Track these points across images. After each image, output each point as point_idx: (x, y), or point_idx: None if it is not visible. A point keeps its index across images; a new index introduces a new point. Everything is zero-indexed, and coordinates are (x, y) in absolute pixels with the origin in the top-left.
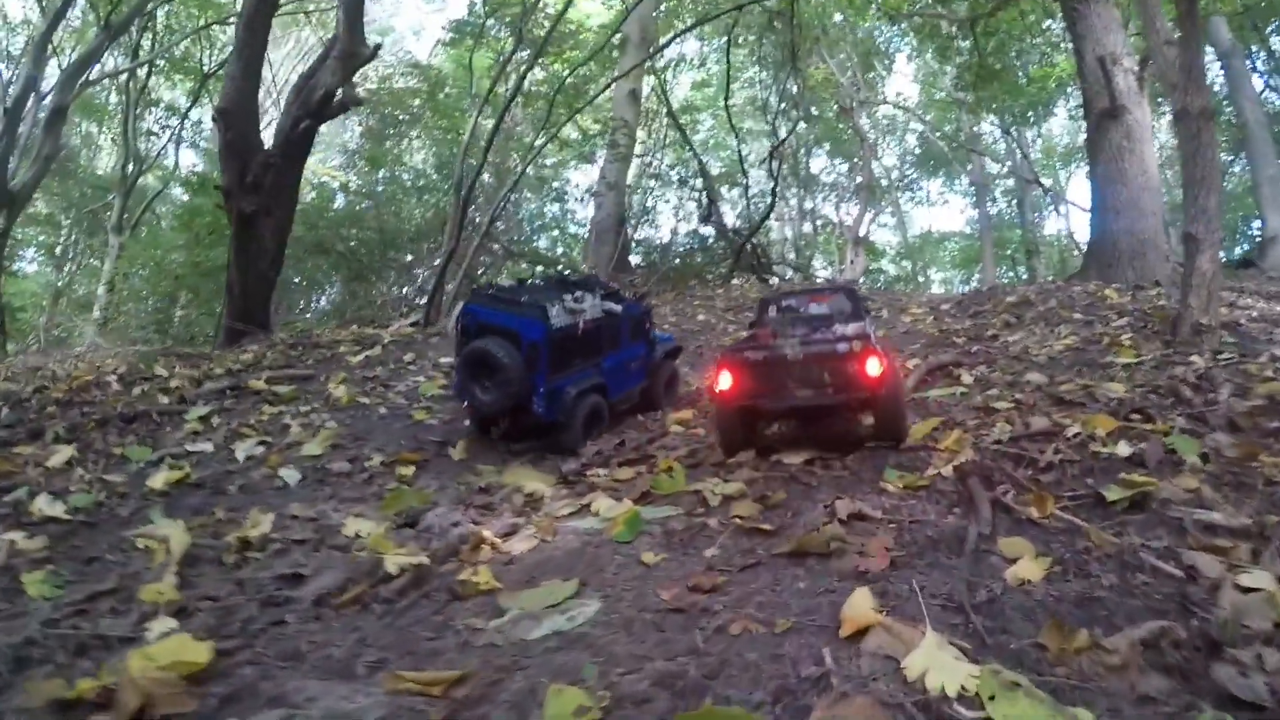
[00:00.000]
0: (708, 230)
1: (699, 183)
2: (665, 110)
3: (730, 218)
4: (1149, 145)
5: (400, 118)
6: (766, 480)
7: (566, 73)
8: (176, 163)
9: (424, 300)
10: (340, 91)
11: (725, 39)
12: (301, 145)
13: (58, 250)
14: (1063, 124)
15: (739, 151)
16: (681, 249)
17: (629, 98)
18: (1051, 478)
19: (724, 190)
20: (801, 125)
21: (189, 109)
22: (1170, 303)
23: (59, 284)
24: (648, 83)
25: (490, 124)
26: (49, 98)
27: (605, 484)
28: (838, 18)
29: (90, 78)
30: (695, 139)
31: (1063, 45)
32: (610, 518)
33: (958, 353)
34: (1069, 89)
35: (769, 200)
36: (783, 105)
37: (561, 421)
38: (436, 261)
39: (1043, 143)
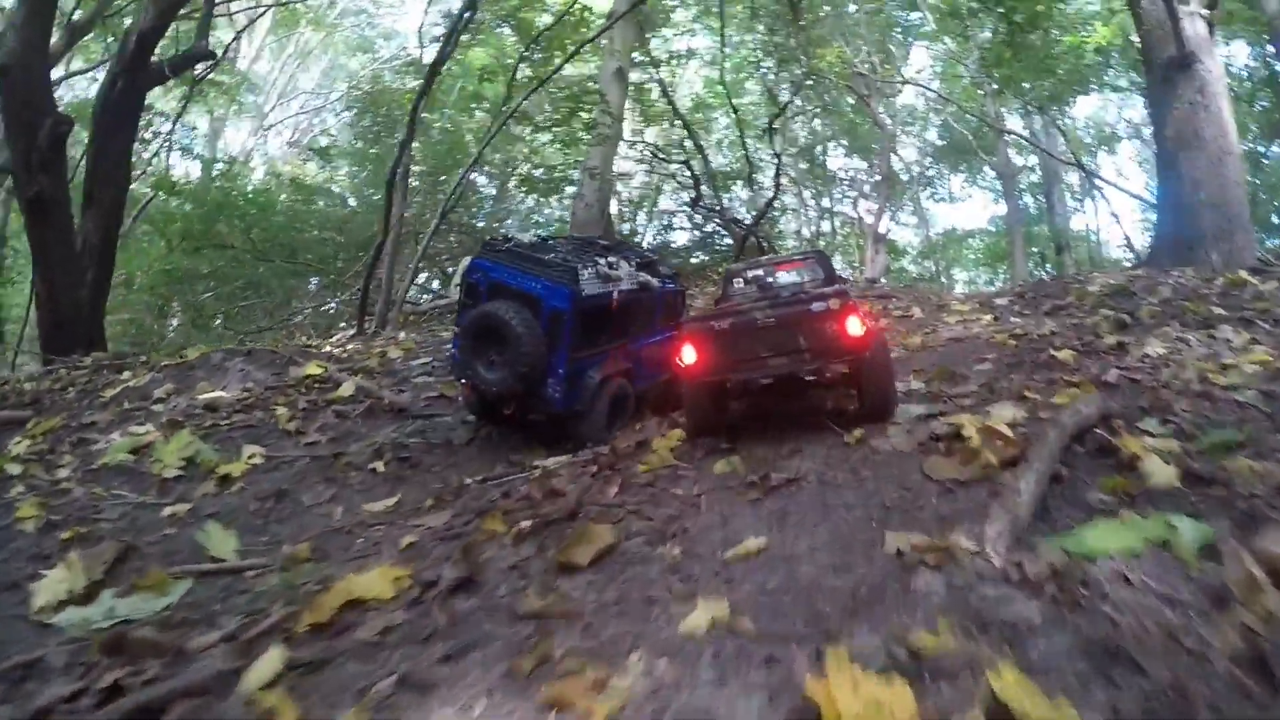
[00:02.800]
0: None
1: (695, 167)
2: (659, 87)
3: (743, 213)
4: (1225, 101)
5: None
6: None
7: (560, 60)
8: (168, 169)
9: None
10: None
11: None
12: (124, 110)
13: None
14: (1091, 106)
15: (740, 128)
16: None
17: (615, 76)
18: None
19: (735, 185)
20: (803, 99)
21: (180, 114)
22: None
23: None
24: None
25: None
26: None
27: None
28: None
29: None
30: (710, 138)
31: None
32: None
33: (1080, 381)
34: (1111, 58)
35: (773, 183)
36: (783, 62)
37: (579, 411)
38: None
39: (1068, 131)
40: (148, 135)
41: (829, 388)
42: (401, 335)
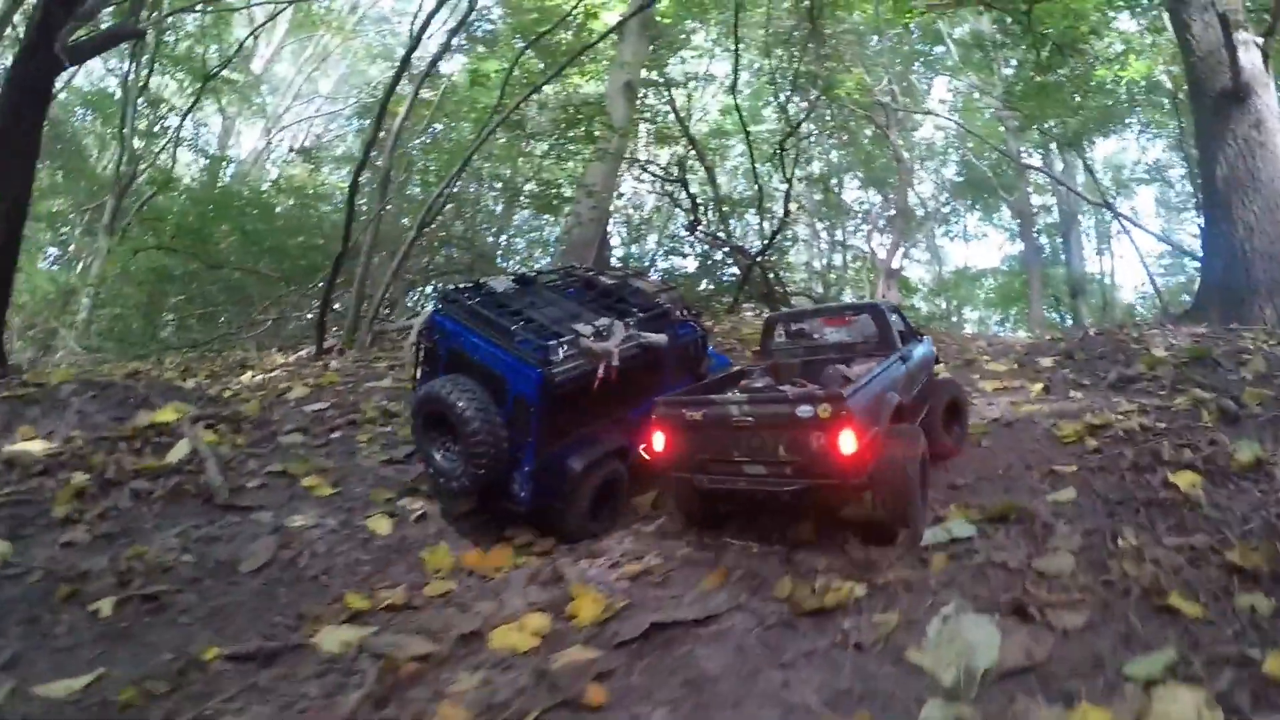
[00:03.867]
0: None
1: (694, 189)
2: (669, 104)
3: (755, 242)
4: None
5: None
6: None
7: (559, 65)
8: (174, 163)
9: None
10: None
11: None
12: (28, 94)
13: (71, 249)
14: (1109, 150)
15: (750, 149)
16: (684, 272)
17: (622, 91)
18: None
19: (747, 213)
20: (819, 124)
21: (190, 109)
22: None
23: (70, 283)
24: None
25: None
26: None
27: None
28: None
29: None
30: (726, 165)
31: (1138, 41)
32: None
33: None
34: (1141, 94)
35: (783, 210)
36: (799, 80)
37: (556, 507)
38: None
39: (1092, 168)
40: (155, 129)
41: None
42: (352, 359)
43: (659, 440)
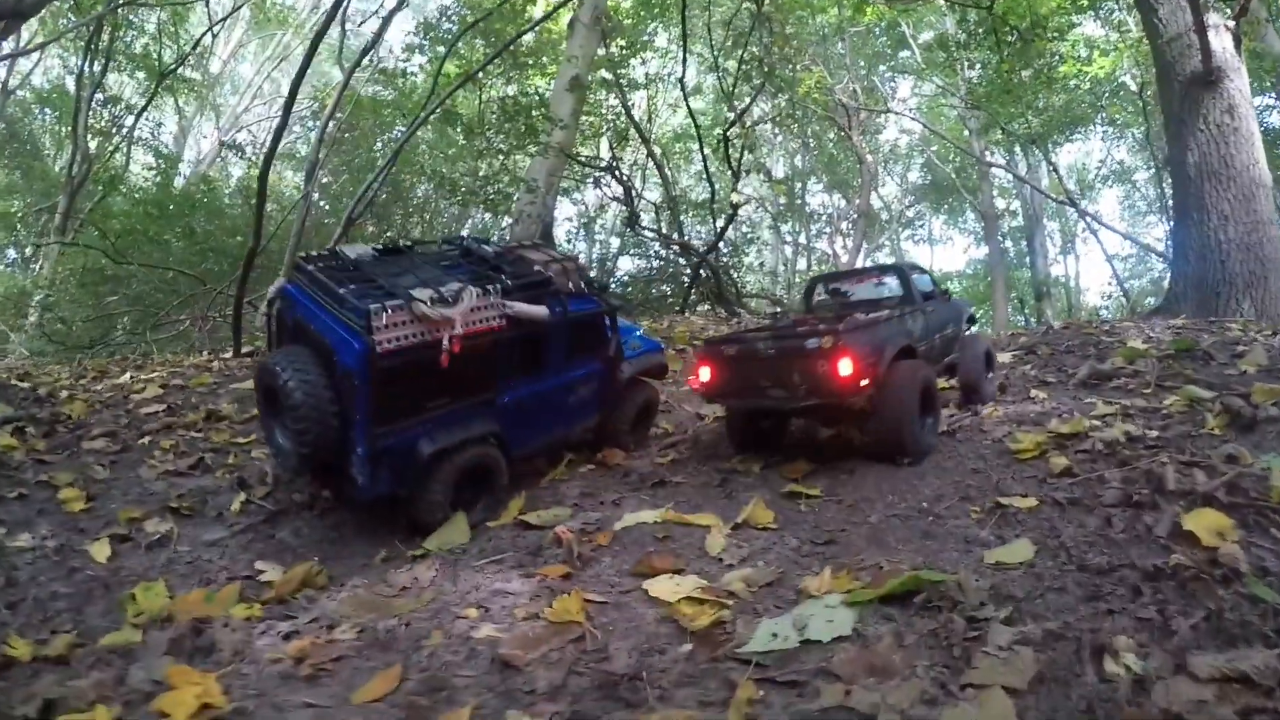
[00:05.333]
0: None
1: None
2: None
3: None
4: (1254, 125)
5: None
6: None
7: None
8: (128, 162)
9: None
10: None
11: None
12: None
13: (28, 251)
14: (1072, 155)
15: (698, 134)
16: (635, 274)
17: (570, 85)
18: None
19: (709, 217)
20: (778, 126)
21: (144, 107)
22: None
23: (22, 285)
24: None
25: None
26: None
27: None
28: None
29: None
30: (691, 169)
31: (1103, 40)
32: None
33: None
34: (1101, 100)
35: (729, 206)
36: (745, 66)
37: (403, 496)
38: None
39: (1057, 168)
40: (110, 128)
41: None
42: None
43: (704, 373)
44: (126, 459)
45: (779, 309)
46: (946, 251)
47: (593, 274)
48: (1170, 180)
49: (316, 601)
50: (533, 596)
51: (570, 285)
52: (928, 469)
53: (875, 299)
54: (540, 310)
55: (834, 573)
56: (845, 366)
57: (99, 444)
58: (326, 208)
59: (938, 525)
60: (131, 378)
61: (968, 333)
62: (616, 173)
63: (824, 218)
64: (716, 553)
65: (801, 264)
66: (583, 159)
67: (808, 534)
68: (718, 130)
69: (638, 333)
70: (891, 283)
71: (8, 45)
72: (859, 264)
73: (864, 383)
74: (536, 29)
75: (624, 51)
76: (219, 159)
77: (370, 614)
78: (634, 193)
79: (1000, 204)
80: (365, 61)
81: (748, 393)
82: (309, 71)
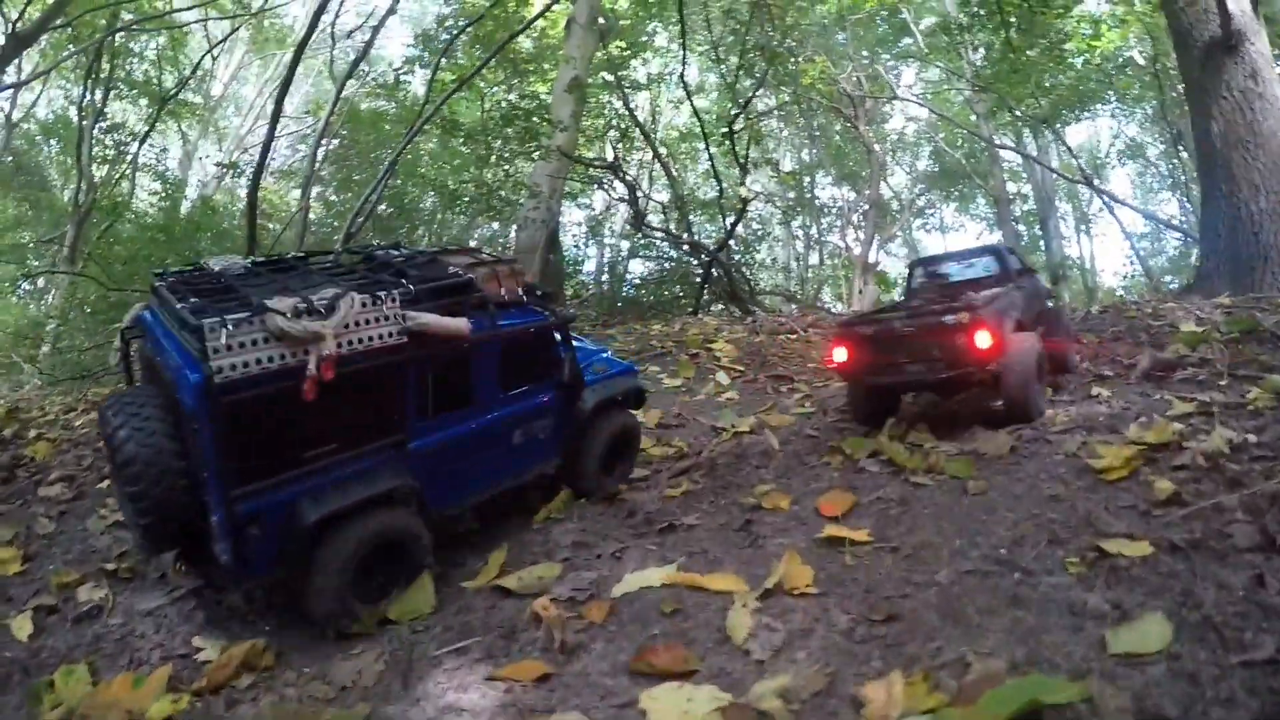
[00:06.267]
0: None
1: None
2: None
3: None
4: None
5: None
6: None
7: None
8: (133, 189)
9: None
10: None
11: None
12: None
13: (40, 281)
14: (1081, 135)
15: (704, 130)
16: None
17: (570, 87)
18: None
19: (718, 216)
20: (784, 118)
21: (147, 133)
22: None
23: (35, 316)
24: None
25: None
26: None
27: None
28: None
29: None
30: (697, 169)
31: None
32: None
33: None
34: (1110, 75)
35: (738, 201)
36: (747, 54)
37: (283, 575)
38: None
39: (1072, 149)
40: (114, 156)
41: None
42: None
43: (841, 353)
44: (78, 508)
45: (794, 304)
46: (960, 239)
47: (604, 278)
48: (1190, 153)
49: (237, 707)
50: (491, 717)
51: (503, 293)
52: (996, 499)
53: (973, 279)
54: (459, 323)
55: (903, 674)
56: (983, 339)
57: (55, 490)
58: (334, 225)
59: (1027, 585)
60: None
61: (1050, 305)
62: (621, 172)
63: (834, 210)
64: (741, 640)
65: (813, 259)
66: (586, 160)
67: (859, 604)
68: (723, 127)
69: (604, 354)
70: (984, 262)
71: (9, 76)
72: (871, 255)
73: (996, 353)
74: (534, 33)
75: (624, 53)
76: (224, 180)
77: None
78: (639, 192)
79: (1011, 188)
80: (360, 74)
81: (885, 369)
82: (309, 89)
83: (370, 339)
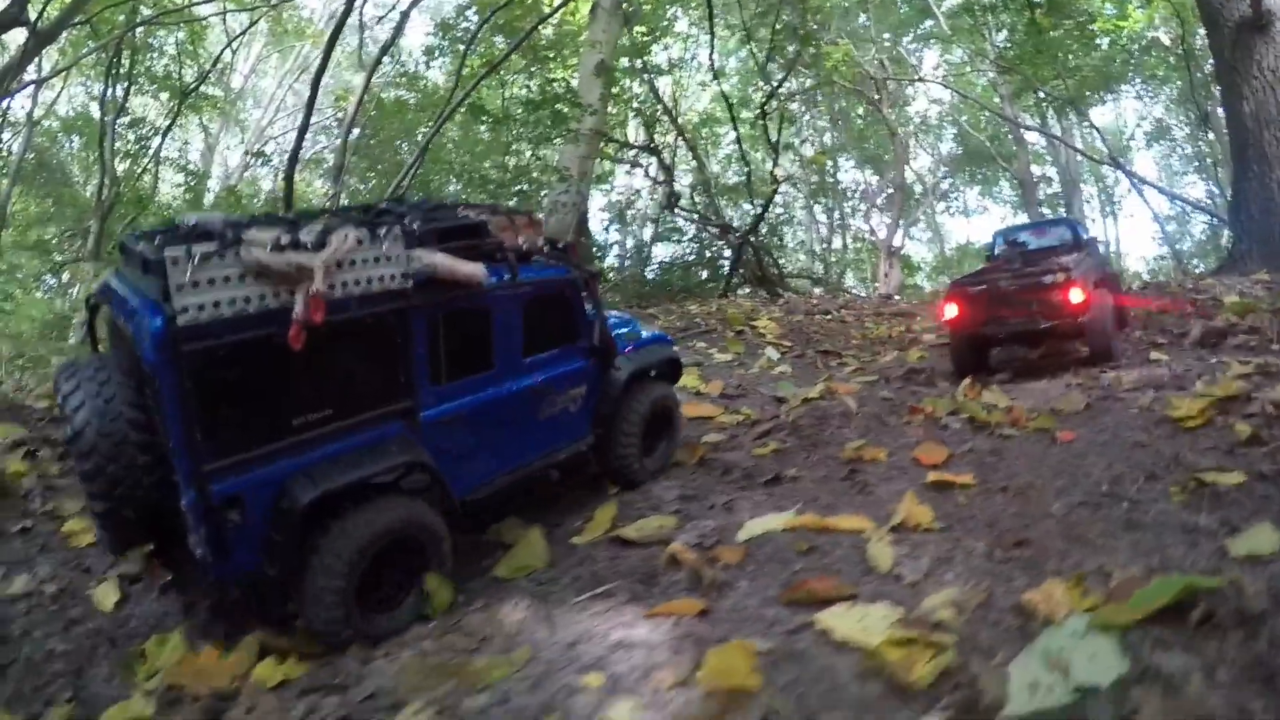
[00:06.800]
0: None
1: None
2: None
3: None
4: None
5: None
6: None
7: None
8: (156, 182)
9: None
10: None
11: None
12: None
13: (65, 276)
14: (1104, 119)
15: (731, 113)
16: (673, 260)
17: (596, 71)
18: None
19: (743, 202)
20: (809, 98)
21: (169, 127)
22: None
23: (59, 310)
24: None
25: None
26: None
27: None
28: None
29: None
30: (719, 153)
31: None
32: None
33: None
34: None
35: (770, 180)
36: (778, 35)
37: (271, 573)
38: None
39: (1100, 131)
40: (136, 150)
41: (1061, 339)
42: None
43: (952, 309)
44: None
45: (820, 288)
46: (982, 222)
47: (627, 262)
48: (1217, 134)
49: (371, 662)
50: (670, 648)
51: (521, 243)
52: (1084, 447)
53: (1049, 246)
54: (473, 268)
55: (1062, 580)
56: (1076, 295)
57: None
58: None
59: (1138, 513)
60: None
61: (1109, 269)
62: (659, 152)
63: (858, 194)
64: (887, 568)
65: (836, 243)
66: (625, 142)
67: (987, 534)
68: (747, 110)
69: (635, 323)
70: (1059, 232)
71: (28, 74)
72: (896, 240)
73: (1085, 308)
74: (556, 20)
75: (645, 38)
76: (248, 170)
77: (445, 683)
78: (672, 171)
79: (1035, 171)
80: (385, 64)
81: (991, 323)
82: (334, 80)
83: (369, 281)
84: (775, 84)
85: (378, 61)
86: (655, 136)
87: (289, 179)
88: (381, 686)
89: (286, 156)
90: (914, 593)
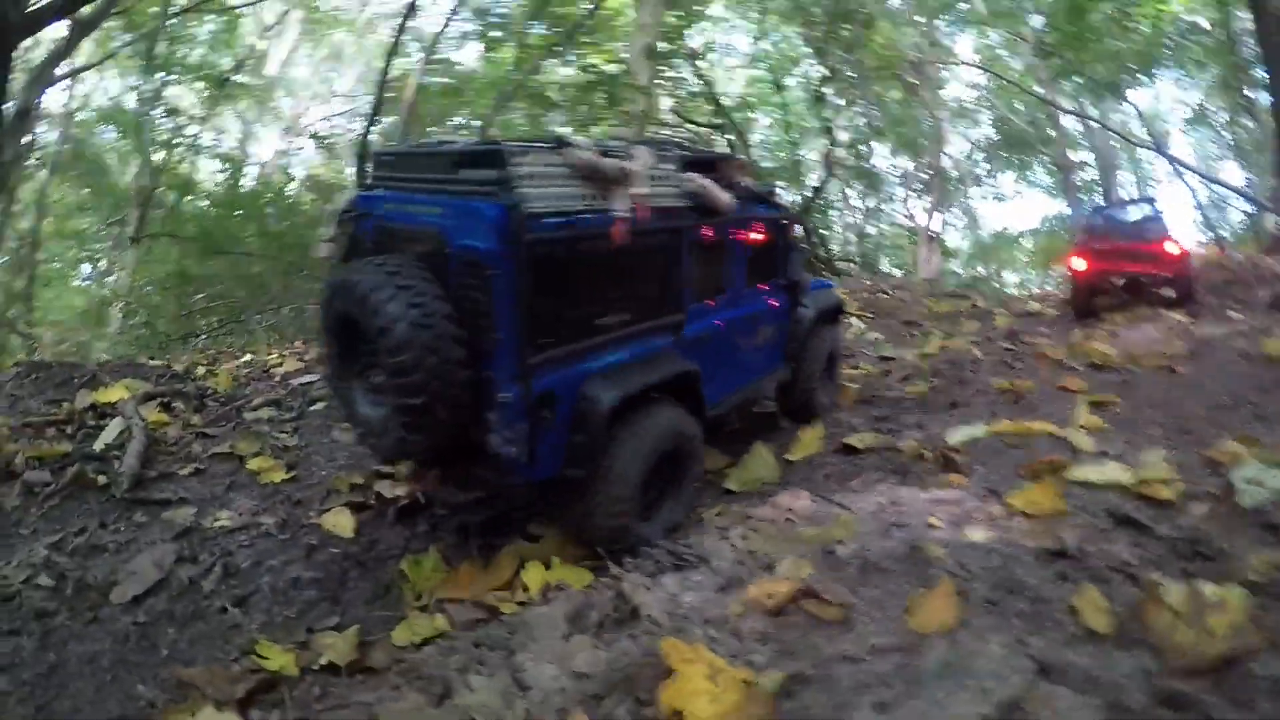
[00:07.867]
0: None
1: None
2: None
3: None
4: None
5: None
6: None
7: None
8: (194, 170)
9: None
10: None
11: None
12: None
13: (102, 264)
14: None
15: (778, 89)
16: None
17: (644, 54)
18: None
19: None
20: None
21: (206, 116)
22: None
23: (100, 296)
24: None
25: None
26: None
27: None
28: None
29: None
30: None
31: None
32: None
33: None
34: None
35: (824, 162)
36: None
37: (574, 476)
38: None
39: (1141, 115)
40: (173, 139)
41: (1157, 286)
42: None
43: (1080, 262)
44: (306, 425)
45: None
46: (1019, 208)
47: None
48: (1258, 120)
49: (684, 542)
50: (974, 500)
51: (749, 186)
52: (1199, 377)
53: (1136, 219)
54: (728, 197)
55: (1233, 437)
56: (1173, 248)
57: (263, 413)
58: None
59: (1261, 411)
60: (253, 358)
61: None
62: (724, 131)
63: (895, 179)
64: (1091, 450)
65: (870, 229)
66: (694, 120)
67: (1153, 427)
68: (775, 95)
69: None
70: (1142, 208)
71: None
72: (933, 224)
73: (1180, 261)
74: (596, 6)
75: (680, 20)
76: (289, 154)
77: (798, 546)
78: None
79: (1074, 157)
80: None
81: (1110, 273)
82: (361, 69)
83: (660, 197)
84: (830, 70)
85: (434, 43)
86: (696, 120)
87: (361, 156)
88: (723, 556)
89: (352, 137)
90: (1120, 459)
